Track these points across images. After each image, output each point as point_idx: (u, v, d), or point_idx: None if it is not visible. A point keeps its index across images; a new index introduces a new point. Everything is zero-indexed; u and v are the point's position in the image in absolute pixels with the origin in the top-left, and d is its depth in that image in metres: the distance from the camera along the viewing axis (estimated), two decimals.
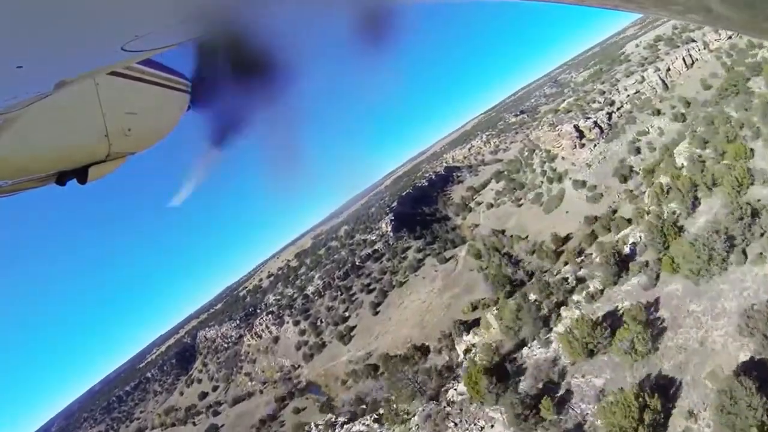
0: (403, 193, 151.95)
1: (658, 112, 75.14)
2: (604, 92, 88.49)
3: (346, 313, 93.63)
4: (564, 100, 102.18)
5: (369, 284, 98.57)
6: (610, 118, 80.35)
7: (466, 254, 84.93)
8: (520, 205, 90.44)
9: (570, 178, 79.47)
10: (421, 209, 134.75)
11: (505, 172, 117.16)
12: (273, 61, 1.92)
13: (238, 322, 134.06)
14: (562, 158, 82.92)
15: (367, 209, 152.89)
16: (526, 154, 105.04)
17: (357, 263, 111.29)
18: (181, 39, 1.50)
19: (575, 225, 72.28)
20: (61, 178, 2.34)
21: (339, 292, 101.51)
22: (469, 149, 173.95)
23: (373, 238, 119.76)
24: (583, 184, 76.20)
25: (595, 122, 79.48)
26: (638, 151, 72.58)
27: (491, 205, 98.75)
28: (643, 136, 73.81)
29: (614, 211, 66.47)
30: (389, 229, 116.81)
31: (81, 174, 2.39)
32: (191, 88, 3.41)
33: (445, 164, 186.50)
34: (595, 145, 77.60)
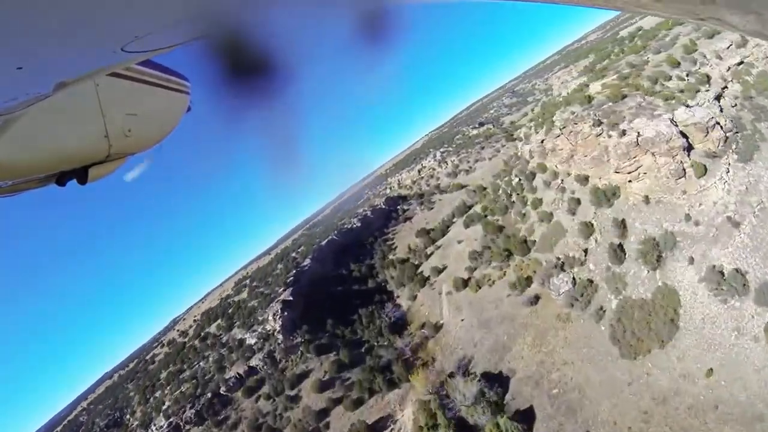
0: (323, 242, 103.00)
1: None
2: (678, 63, 43.97)
3: None
4: (599, 71, 56.96)
5: None
6: (721, 109, 36.24)
7: (415, 413, 36.54)
8: (523, 286, 43.39)
9: (678, 247, 33.51)
10: (343, 274, 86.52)
11: (476, 208, 71.84)
12: (272, 61, 1.91)
13: None
14: (648, 199, 36.79)
15: (266, 276, 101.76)
16: (515, 179, 59.44)
17: (222, 391, 60.00)
18: (181, 40, 1.53)
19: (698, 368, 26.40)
20: (61, 179, 2.32)
21: None
22: (419, 171, 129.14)
23: (253, 341, 68.94)
24: (717, 272, 30.87)
25: (712, 117, 34.66)
26: None
27: (464, 282, 51.20)
28: None
29: None
30: (277, 325, 66.82)
31: (81, 174, 2.36)
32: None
33: (388, 190, 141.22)
34: (728, 170, 32.86)
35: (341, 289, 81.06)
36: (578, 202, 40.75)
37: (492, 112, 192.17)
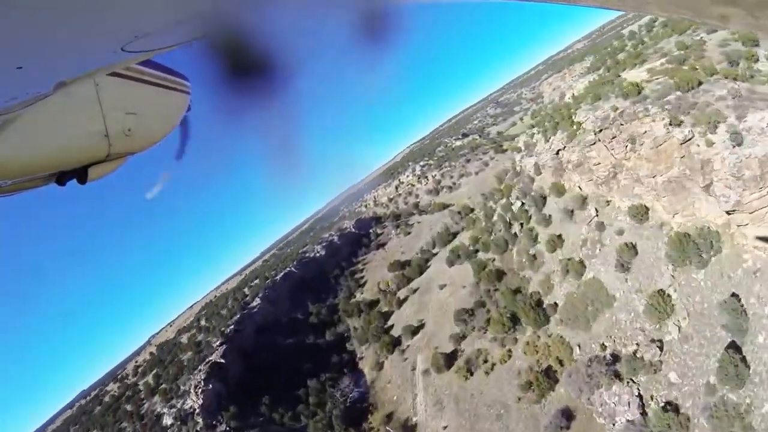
0: (278, 276, 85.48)
1: None
2: (756, 40, 28.96)
3: None
4: (634, 56, 41.41)
5: None
6: None
7: None
8: (543, 386, 26.79)
9: None
10: (297, 319, 69.44)
11: (463, 237, 56.02)
12: (272, 61, 1.93)
13: None
14: None
15: (213, 315, 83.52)
16: (516, 202, 43.56)
17: None
18: (181, 40, 1.55)
19: None
20: (61, 178, 2.35)
21: None
22: (397, 187, 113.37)
23: (169, 421, 51.17)
24: None
25: None
26: None
27: (448, 360, 34.55)
28: None
29: None
30: (198, 402, 49.30)
31: (81, 174, 2.40)
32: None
33: (364, 208, 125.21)
34: None
35: (292, 342, 63.61)
36: (634, 250, 24.99)
37: (476, 122, 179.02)
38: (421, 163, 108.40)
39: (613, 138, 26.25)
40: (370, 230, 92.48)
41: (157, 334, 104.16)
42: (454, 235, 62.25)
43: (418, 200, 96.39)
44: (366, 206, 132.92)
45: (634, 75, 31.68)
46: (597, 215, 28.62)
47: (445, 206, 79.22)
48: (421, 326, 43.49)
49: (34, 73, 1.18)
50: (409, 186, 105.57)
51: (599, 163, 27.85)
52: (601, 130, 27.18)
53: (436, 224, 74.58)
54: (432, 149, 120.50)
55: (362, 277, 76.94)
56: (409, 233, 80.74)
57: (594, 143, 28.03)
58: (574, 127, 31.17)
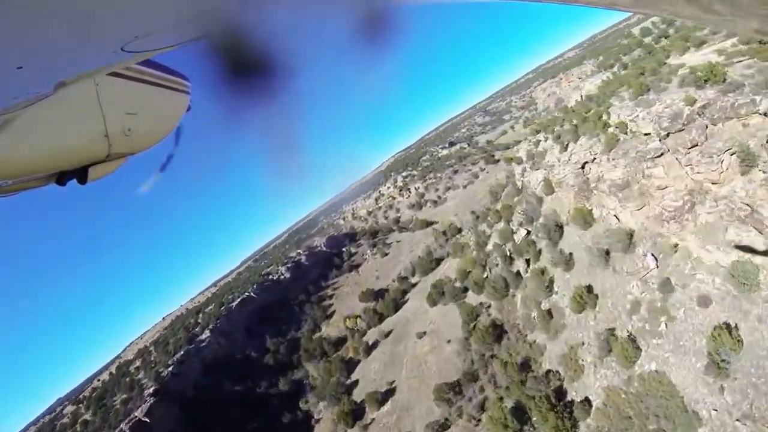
0: (235, 302, 73.85)
1: None
2: None
3: None
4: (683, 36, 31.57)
5: None
6: None
7: None
8: None
9: None
10: (251, 358, 58.11)
11: (448, 266, 45.84)
12: (272, 61, 1.96)
13: None
14: None
15: (164, 346, 71.42)
16: (519, 229, 33.28)
17: None
18: (181, 40, 1.56)
19: None
20: (61, 178, 2.35)
21: None
22: (377, 199, 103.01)
23: None
24: None
25: None
26: None
27: None
28: None
29: None
30: None
31: (81, 174, 2.41)
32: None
33: (342, 221, 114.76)
34: None
35: (241, 389, 52.15)
36: (737, 339, 14.72)
37: (463, 131, 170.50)
38: (404, 174, 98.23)
39: (693, 147, 16.47)
40: (344, 249, 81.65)
41: (103, 369, 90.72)
42: (438, 261, 51.88)
43: (398, 215, 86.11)
44: (344, 218, 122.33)
45: (696, 59, 22.06)
46: (657, 265, 18.58)
47: (428, 223, 69.05)
48: (392, 392, 32.74)
49: (34, 73, 1.19)
50: (390, 199, 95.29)
51: (665, 187, 17.91)
52: (668, 135, 17.36)
53: (418, 245, 64.27)
54: (416, 158, 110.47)
55: (330, 306, 65.98)
56: (387, 254, 70.23)
57: (659, 155, 18.08)
58: (611, 129, 21.26)
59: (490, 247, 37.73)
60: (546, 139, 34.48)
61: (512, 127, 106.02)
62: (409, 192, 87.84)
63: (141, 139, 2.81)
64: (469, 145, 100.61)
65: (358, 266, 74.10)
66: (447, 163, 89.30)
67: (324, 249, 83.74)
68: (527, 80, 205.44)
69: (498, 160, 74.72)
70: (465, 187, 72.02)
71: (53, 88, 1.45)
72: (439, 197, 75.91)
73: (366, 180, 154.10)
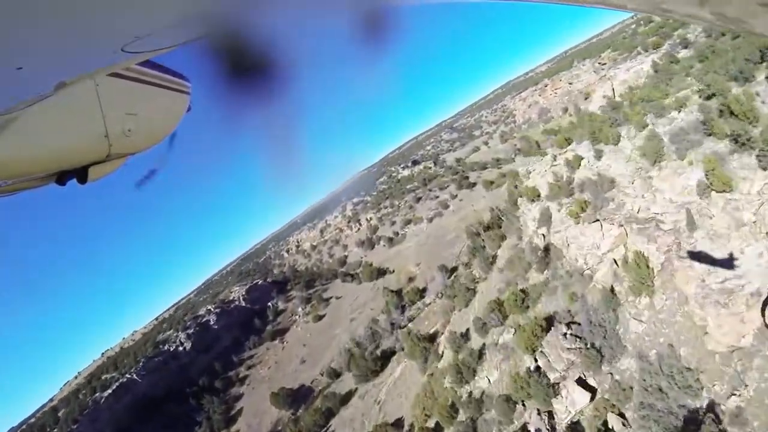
0: (104, 393, 50.42)
1: None
2: None
3: None
4: None
5: None
6: None
7: None
8: None
9: None
10: None
11: (409, 368, 25.72)
12: (273, 61, 1.93)
13: None
14: None
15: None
16: (542, 337, 13.08)
17: None
18: (182, 40, 1.57)
19: None
20: (62, 178, 2.38)
21: None
22: (322, 231, 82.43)
23: None
24: None
25: None
26: None
27: None
28: None
29: None
30: None
31: (81, 174, 2.43)
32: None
33: (286, 254, 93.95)
34: None
35: None
36: None
37: (429, 149, 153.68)
38: (355, 200, 78.18)
39: None
40: (270, 304, 60.10)
41: None
42: (387, 357, 31.70)
43: (346, 254, 65.84)
44: (288, 251, 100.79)
45: None
46: None
47: (379, 272, 49.02)
48: None
49: (34, 73, 1.20)
50: (337, 231, 74.98)
51: None
52: None
53: (363, 308, 44.01)
54: (372, 181, 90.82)
55: (237, 403, 44.21)
56: (322, 317, 49.41)
57: None
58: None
59: (474, 342, 18.05)
60: (599, 156, 16.02)
61: (486, 143, 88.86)
62: (359, 224, 67.79)
63: (141, 139, 2.81)
64: (435, 164, 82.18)
65: (284, 332, 52.81)
66: (408, 186, 70.12)
67: (243, 305, 61.73)
68: (497, 95, 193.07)
69: (473, 184, 56.23)
70: (430, 220, 52.70)
71: (53, 88, 1.46)
72: (396, 233, 56.20)
73: (324, 202, 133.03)
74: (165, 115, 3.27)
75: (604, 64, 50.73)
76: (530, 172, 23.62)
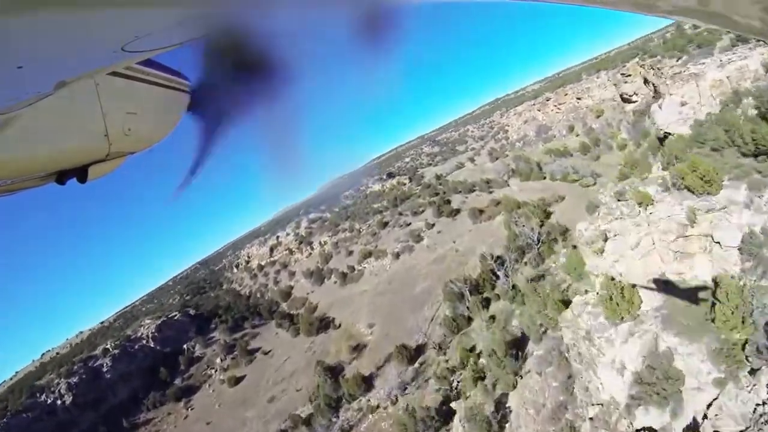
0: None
1: None
2: None
3: None
4: None
5: None
6: None
7: None
8: None
9: None
10: None
11: None
12: (273, 61, 2.00)
13: None
14: None
15: None
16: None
17: None
18: (182, 39, 1.54)
19: None
20: (61, 177, 2.39)
21: None
22: (273, 249, 69.36)
23: None
24: None
25: None
26: None
27: None
28: None
29: None
30: None
31: (81, 173, 2.43)
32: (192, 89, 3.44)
33: (236, 270, 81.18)
34: None
35: None
36: None
37: (407, 161, 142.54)
38: (311, 216, 65.72)
39: None
40: (185, 346, 46.66)
41: None
42: None
43: (291, 284, 53.17)
44: (238, 266, 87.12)
45: None
46: None
47: (320, 323, 36.69)
48: None
49: (34, 73, 1.20)
50: (287, 252, 62.16)
51: None
52: None
53: (288, 385, 31.54)
54: (334, 195, 78.12)
55: None
56: (240, 380, 36.53)
57: None
58: None
59: None
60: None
61: (472, 160, 77.81)
62: (311, 249, 55.25)
63: (141, 138, 2.82)
64: (411, 180, 70.48)
65: (193, 391, 39.64)
66: (375, 206, 58.02)
67: (151, 345, 47.98)
68: (484, 111, 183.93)
69: (456, 211, 44.69)
70: (396, 256, 40.68)
71: (53, 88, 1.45)
72: (352, 268, 43.94)
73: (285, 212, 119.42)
74: (165, 114, 3.14)
75: (629, 75, 40.56)
76: (603, 235, 12.14)
